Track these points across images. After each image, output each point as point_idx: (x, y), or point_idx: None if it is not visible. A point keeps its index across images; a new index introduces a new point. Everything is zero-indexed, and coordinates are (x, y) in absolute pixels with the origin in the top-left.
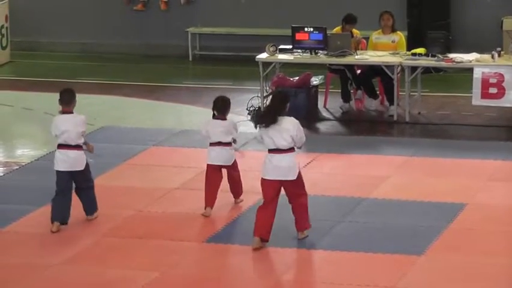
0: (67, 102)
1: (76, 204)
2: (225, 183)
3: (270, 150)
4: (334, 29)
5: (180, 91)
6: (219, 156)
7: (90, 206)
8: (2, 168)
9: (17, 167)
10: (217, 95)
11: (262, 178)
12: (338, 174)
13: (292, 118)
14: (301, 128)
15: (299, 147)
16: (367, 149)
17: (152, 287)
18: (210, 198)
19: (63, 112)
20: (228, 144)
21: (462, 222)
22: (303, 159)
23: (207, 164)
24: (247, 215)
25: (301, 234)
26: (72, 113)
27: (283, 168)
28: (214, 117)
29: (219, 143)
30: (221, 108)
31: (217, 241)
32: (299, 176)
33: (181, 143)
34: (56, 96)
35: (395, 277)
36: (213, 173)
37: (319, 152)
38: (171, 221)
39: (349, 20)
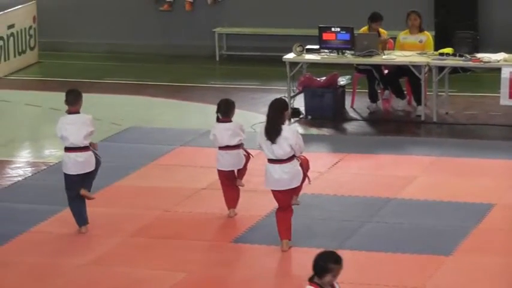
0: (72, 103)
1: (103, 204)
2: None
3: (270, 160)
4: (361, 29)
5: (207, 91)
6: (229, 162)
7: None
8: (30, 168)
9: (45, 167)
10: (222, 98)
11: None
12: (365, 175)
13: (290, 127)
14: (300, 136)
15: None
16: (395, 149)
17: (179, 287)
18: (231, 201)
19: (69, 112)
20: (236, 147)
21: (490, 223)
22: (330, 160)
23: (218, 170)
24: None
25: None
26: (78, 113)
27: (285, 179)
28: (218, 120)
29: (227, 147)
30: (225, 110)
31: (244, 241)
32: (302, 181)
33: (208, 143)
34: (84, 97)
35: (423, 278)
36: (225, 177)
37: (346, 152)
38: (198, 221)
39: (375, 18)
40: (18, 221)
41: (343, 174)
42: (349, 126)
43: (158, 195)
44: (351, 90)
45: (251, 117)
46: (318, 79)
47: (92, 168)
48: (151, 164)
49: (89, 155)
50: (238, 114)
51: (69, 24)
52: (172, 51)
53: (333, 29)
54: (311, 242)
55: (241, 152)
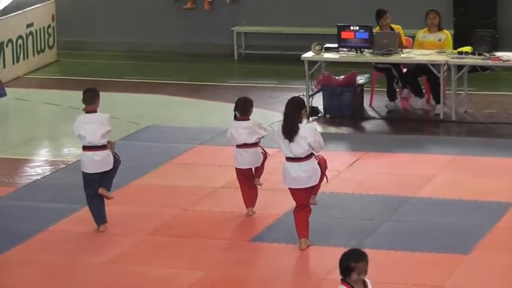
0: (90, 102)
1: (121, 202)
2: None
3: (288, 159)
4: (374, 30)
5: (225, 90)
6: (247, 160)
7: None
8: (49, 167)
9: (64, 166)
10: (240, 96)
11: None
12: (384, 173)
13: (308, 125)
14: (319, 133)
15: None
16: (413, 148)
17: (198, 286)
18: (249, 200)
19: (86, 111)
20: (254, 145)
21: (509, 222)
22: (349, 158)
23: (236, 168)
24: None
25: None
26: (95, 112)
27: (303, 178)
28: (236, 118)
29: (245, 145)
30: (243, 108)
31: (262, 240)
32: (319, 180)
33: (227, 142)
34: (103, 96)
35: (441, 276)
36: (243, 176)
37: (364, 151)
38: (216, 220)
39: (380, 14)
40: (37, 220)
41: (361, 173)
42: (368, 125)
43: (176, 193)
44: (370, 88)
45: (269, 115)
46: (337, 78)
47: (109, 167)
48: (170, 163)
49: (106, 154)
50: (257, 113)
51: (88, 23)
52: (190, 50)
53: (351, 28)
54: (329, 240)
55: (259, 150)
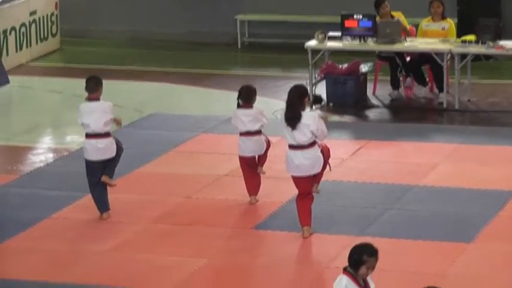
0: (92, 90)
1: (125, 190)
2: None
3: (291, 147)
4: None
5: (228, 78)
6: (250, 148)
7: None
8: (52, 155)
9: (67, 153)
10: (243, 84)
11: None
12: (387, 162)
13: (311, 112)
14: (322, 121)
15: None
16: (416, 137)
17: (201, 274)
18: (252, 188)
19: (89, 99)
20: (257, 133)
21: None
22: (352, 147)
23: (239, 156)
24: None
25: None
26: (99, 100)
27: (306, 165)
28: (239, 106)
29: (248, 133)
30: (246, 96)
31: (265, 228)
32: (322, 168)
33: (230, 130)
34: (106, 84)
35: (444, 264)
36: (246, 164)
37: (367, 140)
38: (220, 207)
39: (378, 3)
40: (40, 207)
41: (364, 161)
42: (371, 114)
43: (180, 181)
44: (373, 77)
45: (273, 104)
46: (340, 66)
47: (112, 154)
48: (173, 151)
49: (109, 141)
50: (261, 102)
51: (91, 11)
52: (194, 39)
53: (355, 16)
54: (332, 228)
55: (262, 138)
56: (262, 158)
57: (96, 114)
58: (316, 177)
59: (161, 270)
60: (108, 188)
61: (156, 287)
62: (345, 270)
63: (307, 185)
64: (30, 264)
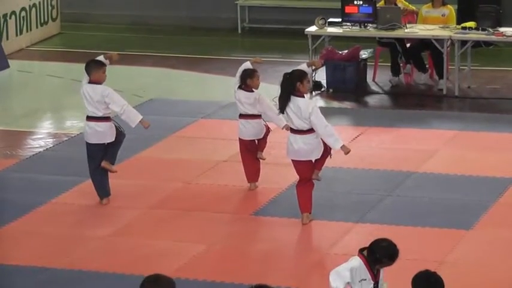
0: (90, 73)
1: (124, 176)
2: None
3: (291, 130)
4: (378, 4)
5: (228, 64)
6: (250, 131)
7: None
8: (51, 140)
9: (67, 138)
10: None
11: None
12: (386, 148)
13: (305, 100)
14: (318, 112)
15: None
16: (416, 123)
17: (200, 259)
18: (251, 174)
19: (91, 82)
20: (257, 116)
21: (511, 197)
22: (351, 133)
23: (239, 139)
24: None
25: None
26: (100, 83)
27: (304, 150)
28: (240, 87)
29: (247, 116)
30: (244, 79)
31: (264, 214)
32: (323, 155)
33: (230, 115)
34: (106, 68)
35: (443, 251)
36: (246, 147)
37: (367, 126)
38: (219, 193)
39: None
40: (40, 192)
41: (364, 147)
42: (371, 100)
43: (179, 167)
44: (373, 63)
45: (273, 90)
46: (340, 52)
47: (112, 139)
48: (173, 136)
49: (109, 125)
50: (260, 87)
51: None
52: (194, 23)
53: (355, 2)
54: (332, 215)
55: (261, 122)
56: (262, 143)
57: (95, 97)
58: (317, 164)
59: (161, 256)
60: (109, 174)
61: (156, 272)
62: (360, 253)
63: (305, 170)
64: (30, 249)
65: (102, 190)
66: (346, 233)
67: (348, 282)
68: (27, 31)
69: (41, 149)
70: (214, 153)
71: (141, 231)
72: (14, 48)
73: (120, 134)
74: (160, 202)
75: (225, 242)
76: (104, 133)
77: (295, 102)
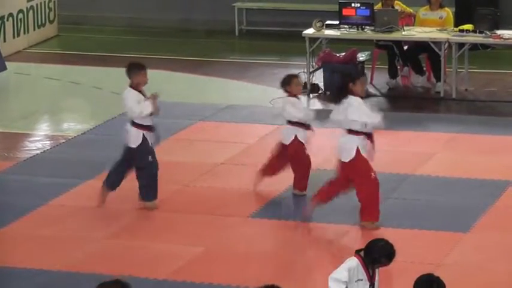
0: (129, 76)
1: (128, 177)
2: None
3: (365, 134)
4: (376, 6)
5: (226, 66)
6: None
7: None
8: (49, 142)
9: (64, 141)
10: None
11: None
12: (384, 151)
13: (353, 98)
14: (363, 108)
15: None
16: (414, 126)
17: (197, 262)
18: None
19: (131, 86)
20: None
21: (508, 200)
22: None
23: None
24: (290, 190)
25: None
26: (138, 85)
27: (339, 148)
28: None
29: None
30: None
31: (261, 217)
32: (355, 161)
33: (228, 118)
34: (104, 70)
35: (440, 254)
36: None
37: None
38: (217, 196)
39: None
40: (37, 194)
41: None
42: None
43: (177, 169)
44: (371, 66)
45: (270, 92)
46: (338, 55)
47: (134, 145)
48: (171, 139)
49: (134, 130)
50: (258, 90)
51: None
52: (192, 26)
53: (353, 5)
54: (328, 218)
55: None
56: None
57: (127, 101)
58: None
59: (158, 258)
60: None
61: (153, 274)
62: (357, 253)
63: (339, 170)
64: (27, 251)
65: (110, 180)
66: (343, 236)
67: (345, 282)
68: (24, 33)
69: (39, 151)
70: (212, 156)
71: (139, 233)
72: (12, 50)
73: (142, 155)
74: (158, 204)
75: (222, 245)
76: (128, 136)
77: (345, 102)
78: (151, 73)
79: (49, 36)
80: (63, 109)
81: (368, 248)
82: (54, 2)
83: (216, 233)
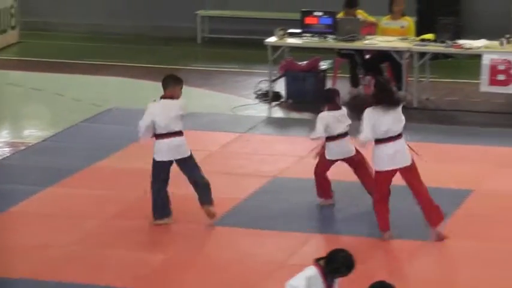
0: (164, 88)
1: (83, 185)
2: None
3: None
4: (338, 15)
5: (188, 74)
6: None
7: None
8: (9, 149)
9: (24, 148)
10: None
11: None
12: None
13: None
14: (363, 117)
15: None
16: None
17: (159, 270)
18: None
19: (164, 97)
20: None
21: (469, 209)
22: (310, 144)
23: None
24: (253, 198)
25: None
26: (171, 98)
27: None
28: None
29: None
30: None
31: (223, 224)
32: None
33: (190, 125)
34: (64, 77)
35: (400, 261)
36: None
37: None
38: (179, 203)
39: (352, 4)
40: None
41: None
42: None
43: (138, 176)
44: (332, 74)
45: (233, 100)
46: (300, 63)
47: (187, 154)
48: (132, 146)
49: (183, 140)
50: (220, 98)
51: (51, 4)
52: (154, 33)
53: (315, 13)
54: (289, 226)
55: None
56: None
57: (164, 111)
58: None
59: (120, 266)
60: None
61: (116, 282)
62: (316, 262)
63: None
64: None
65: (165, 209)
66: (304, 244)
67: None
68: None
69: None
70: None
71: (100, 241)
72: None
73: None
74: (120, 212)
75: (184, 253)
76: (178, 147)
77: None
78: (113, 80)
79: (10, 43)
80: (24, 116)
81: (329, 257)
82: (16, 8)
83: (177, 240)
